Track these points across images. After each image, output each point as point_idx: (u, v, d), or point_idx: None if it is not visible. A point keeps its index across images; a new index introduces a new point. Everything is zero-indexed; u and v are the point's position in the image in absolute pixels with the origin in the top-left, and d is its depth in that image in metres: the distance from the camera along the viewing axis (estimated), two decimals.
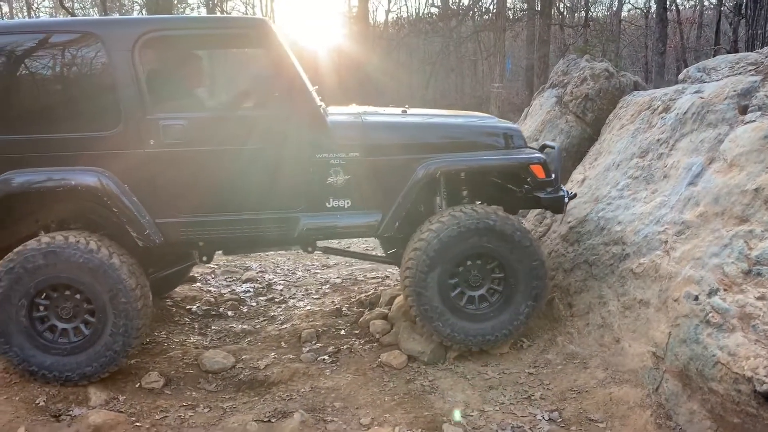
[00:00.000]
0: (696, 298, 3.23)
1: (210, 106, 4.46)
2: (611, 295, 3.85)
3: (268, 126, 3.74)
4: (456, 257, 3.83)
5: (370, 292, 5.35)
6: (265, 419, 3.43)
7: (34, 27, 3.93)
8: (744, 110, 3.86)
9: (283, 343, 4.50)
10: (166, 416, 3.50)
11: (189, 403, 3.68)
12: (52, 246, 3.56)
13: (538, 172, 3.95)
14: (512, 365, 3.90)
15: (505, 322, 3.89)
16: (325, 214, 3.85)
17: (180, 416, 3.50)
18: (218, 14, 21.33)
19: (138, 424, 3.39)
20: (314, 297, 5.55)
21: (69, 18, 3.49)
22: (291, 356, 4.25)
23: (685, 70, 4.76)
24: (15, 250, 3.60)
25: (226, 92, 4.89)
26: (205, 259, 4.15)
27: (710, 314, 3.11)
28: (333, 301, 5.34)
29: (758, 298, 2.99)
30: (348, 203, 3.85)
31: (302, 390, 3.77)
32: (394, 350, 4.13)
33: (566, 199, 4.06)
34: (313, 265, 6.57)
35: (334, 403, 3.61)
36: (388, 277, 5.97)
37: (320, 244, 4.29)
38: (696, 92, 4.31)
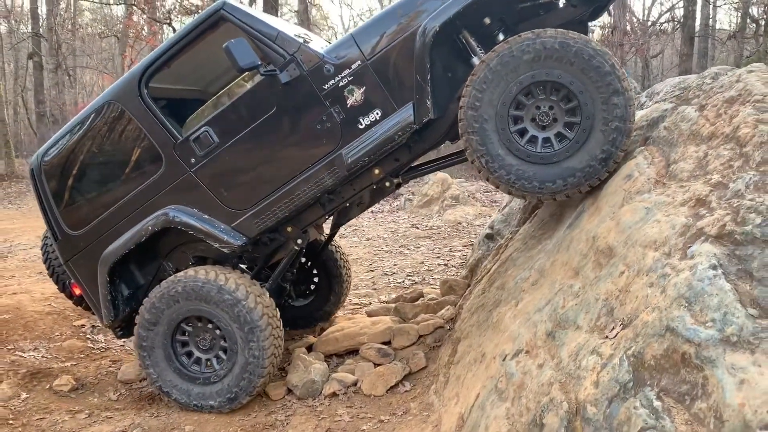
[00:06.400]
0: (504, 358, 2.85)
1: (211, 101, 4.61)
2: (475, 344, 3.48)
3: (267, 86, 3.67)
4: (515, 88, 3.20)
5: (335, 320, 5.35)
6: None
7: None
8: (644, 143, 3.30)
9: None
10: (44, 418, 3.86)
11: (78, 408, 4.01)
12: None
13: None
14: (375, 410, 3.69)
15: (577, 167, 3.19)
16: (364, 135, 3.61)
17: (56, 419, 3.84)
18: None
19: (12, 422, 3.79)
20: None
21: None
22: None
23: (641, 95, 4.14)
24: None
25: (212, 80, 5.01)
26: (300, 242, 4.11)
27: (500, 380, 2.72)
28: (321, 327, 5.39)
29: (539, 366, 2.56)
30: (378, 113, 3.58)
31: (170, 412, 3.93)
32: (282, 381, 4.12)
33: None
34: None
35: (185, 426, 3.72)
36: (370, 304, 5.89)
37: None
38: None
